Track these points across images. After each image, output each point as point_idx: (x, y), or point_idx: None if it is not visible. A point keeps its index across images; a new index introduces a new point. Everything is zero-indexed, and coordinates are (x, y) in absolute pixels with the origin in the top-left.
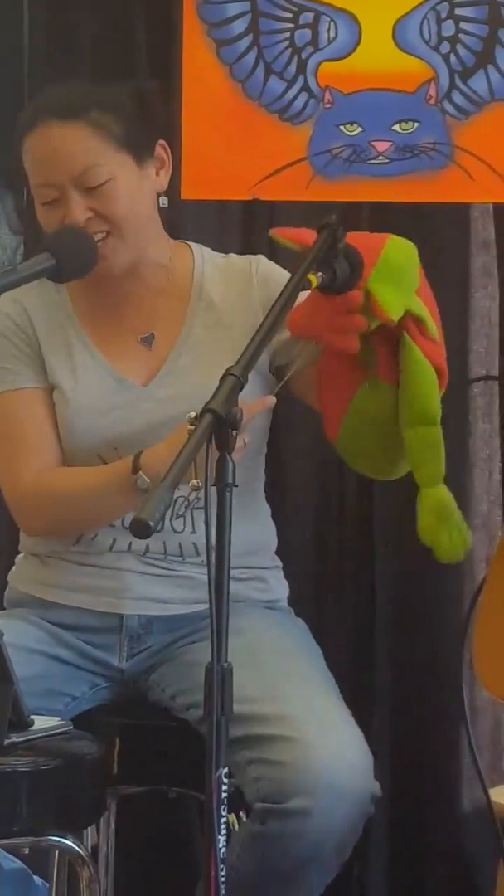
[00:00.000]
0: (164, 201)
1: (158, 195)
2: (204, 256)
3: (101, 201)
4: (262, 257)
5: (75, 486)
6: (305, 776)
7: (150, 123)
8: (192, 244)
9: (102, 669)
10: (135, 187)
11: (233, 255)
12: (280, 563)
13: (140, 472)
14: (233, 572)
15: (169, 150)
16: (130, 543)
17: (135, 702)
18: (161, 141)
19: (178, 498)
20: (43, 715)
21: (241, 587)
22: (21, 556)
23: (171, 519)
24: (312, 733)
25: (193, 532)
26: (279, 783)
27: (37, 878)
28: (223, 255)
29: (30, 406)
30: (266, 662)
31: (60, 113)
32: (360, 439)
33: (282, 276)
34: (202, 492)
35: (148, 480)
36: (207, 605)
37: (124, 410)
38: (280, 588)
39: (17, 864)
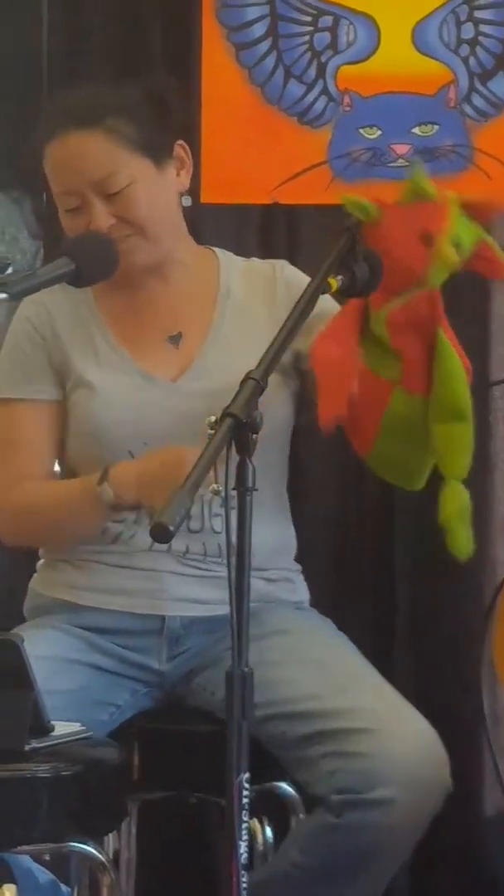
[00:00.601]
0: (187, 200)
1: (181, 195)
2: (229, 261)
3: (122, 206)
4: (285, 262)
5: (42, 498)
6: (389, 766)
7: (168, 124)
8: (217, 250)
9: (142, 674)
10: (155, 189)
11: (255, 260)
12: (300, 567)
13: (105, 484)
14: (265, 573)
15: (188, 150)
16: (170, 544)
17: (171, 708)
18: (180, 141)
19: (213, 497)
20: (92, 728)
21: (272, 588)
22: (42, 562)
23: (210, 519)
24: (392, 724)
25: (218, 532)
26: (360, 774)
27: (63, 887)
28: (244, 259)
29: (29, 417)
30: (322, 659)
31: (77, 121)
32: (392, 451)
33: (305, 280)
34: (222, 495)
35: (111, 492)
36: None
37: (153, 406)
38: (304, 590)
39: (49, 876)
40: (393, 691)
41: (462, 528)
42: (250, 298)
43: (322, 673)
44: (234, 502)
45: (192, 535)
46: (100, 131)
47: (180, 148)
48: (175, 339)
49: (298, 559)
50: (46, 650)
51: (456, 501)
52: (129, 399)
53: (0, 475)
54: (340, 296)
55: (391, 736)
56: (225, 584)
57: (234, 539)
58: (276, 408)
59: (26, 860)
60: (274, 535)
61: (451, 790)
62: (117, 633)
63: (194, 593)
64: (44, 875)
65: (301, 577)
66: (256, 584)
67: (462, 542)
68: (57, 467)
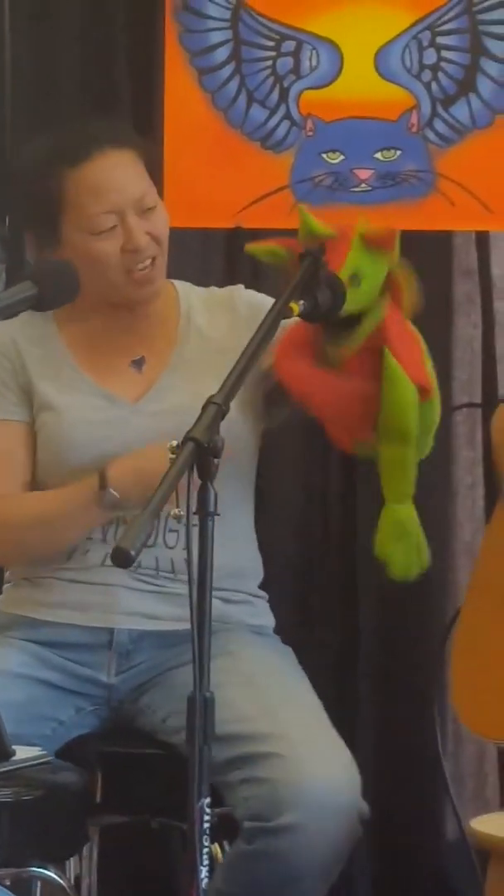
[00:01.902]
0: None
1: None
2: (188, 290)
3: (153, 224)
4: (240, 286)
5: (40, 507)
6: (293, 792)
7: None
8: (175, 281)
9: (89, 688)
10: (167, 216)
11: (213, 288)
12: (266, 595)
13: (108, 489)
14: (224, 594)
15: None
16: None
17: (121, 729)
18: None
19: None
20: (33, 742)
21: (231, 610)
22: (10, 584)
23: (164, 534)
24: (301, 750)
25: (186, 548)
26: (267, 800)
27: None
28: (204, 288)
29: (2, 437)
30: (259, 683)
31: (112, 140)
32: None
33: (265, 300)
34: (183, 521)
35: (116, 495)
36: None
37: (115, 426)
38: (267, 616)
39: (6, 892)
40: (318, 718)
41: (398, 550)
42: (213, 324)
43: (254, 696)
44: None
45: (145, 550)
46: (132, 150)
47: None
48: (138, 364)
49: (262, 582)
50: None
51: (389, 523)
52: (92, 419)
53: None
54: (303, 320)
55: (299, 762)
56: (176, 601)
57: (193, 565)
58: (237, 432)
59: None
60: (234, 557)
61: (368, 815)
62: (70, 648)
63: (145, 608)
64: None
65: (264, 603)
66: (214, 604)
67: (399, 564)
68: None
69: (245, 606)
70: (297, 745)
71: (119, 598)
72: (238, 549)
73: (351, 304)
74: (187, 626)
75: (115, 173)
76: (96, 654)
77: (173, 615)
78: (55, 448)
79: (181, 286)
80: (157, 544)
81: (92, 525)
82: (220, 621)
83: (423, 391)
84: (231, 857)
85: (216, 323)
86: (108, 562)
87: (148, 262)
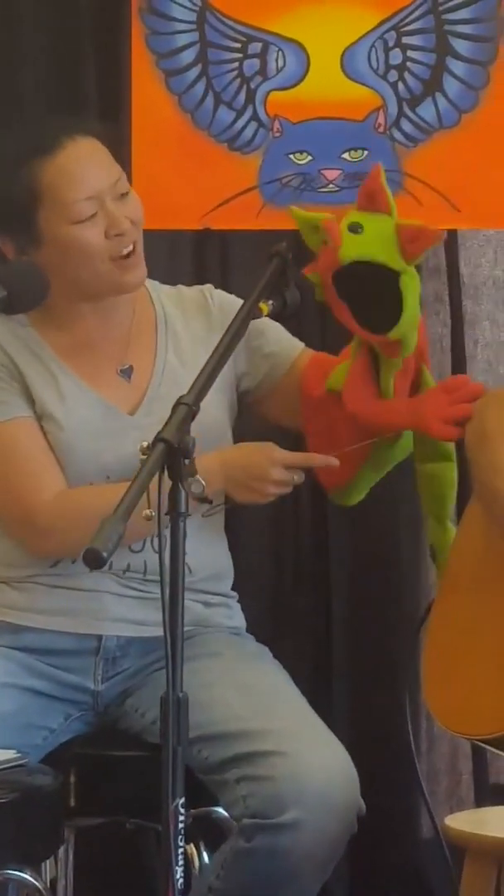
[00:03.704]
0: None
1: None
2: (158, 291)
3: (129, 208)
4: (211, 286)
5: (105, 501)
6: (296, 789)
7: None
8: (147, 280)
9: (77, 695)
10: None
11: (182, 287)
12: (237, 595)
13: (197, 476)
14: (203, 597)
15: None
16: (111, 563)
17: (103, 731)
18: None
19: None
20: (25, 752)
21: (210, 613)
22: None
23: (151, 538)
24: (300, 747)
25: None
26: (270, 798)
27: None
28: (172, 286)
29: (30, 433)
30: (249, 682)
31: (80, 130)
32: (361, 486)
33: (235, 301)
34: (155, 521)
35: (203, 483)
36: (184, 629)
37: (114, 437)
38: (240, 617)
39: None
40: (312, 715)
41: None
42: (187, 325)
43: (246, 695)
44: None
45: (133, 554)
46: (99, 140)
47: None
48: (127, 373)
49: (235, 585)
50: None
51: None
52: (91, 429)
53: (31, 488)
54: (272, 320)
55: (299, 759)
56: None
57: (165, 567)
58: (212, 432)
59: None
60: (213, 559)
61: (364, 812)
62: (55, 654)
63: (132, 614)
64: None
65: (237, 604)
66: (195, 608)
67: None
68: None
69: (222, 609)
70: (296, 743)
71: (107, 604)
72: (216, 551)
73: (352, 249)
74: None
75: (90, 160)
76: (82, 660)
77: (159, 620)
78: (57, 457)
79: (151, 286)
80: (145, 548)
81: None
82: (200, 625)
83: None
84: (227, 853)
85: (192, 326)
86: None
87: (131, 247)
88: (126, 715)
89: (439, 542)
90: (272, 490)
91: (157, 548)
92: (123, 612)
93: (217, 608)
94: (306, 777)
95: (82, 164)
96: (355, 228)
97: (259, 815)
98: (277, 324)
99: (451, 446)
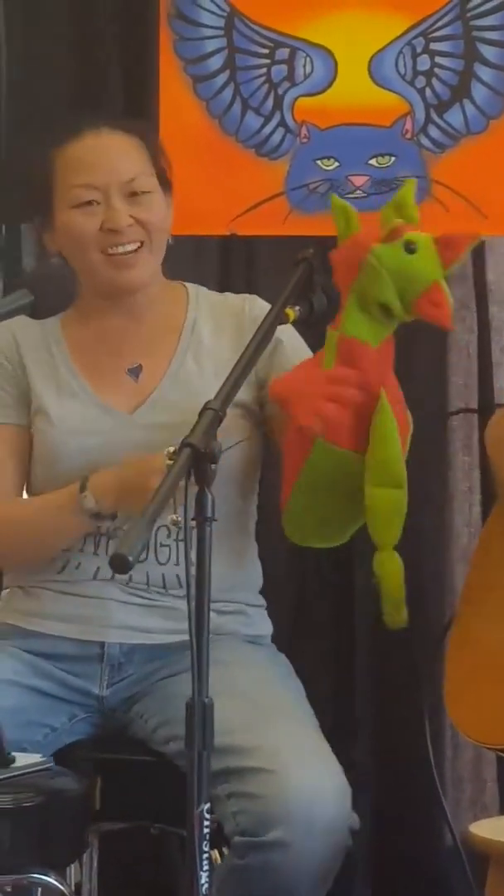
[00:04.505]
0: (171, 239)
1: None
2: (199, 295)
3: (141, 209)
4: (256, 298)
5: (18, 513)
6: (282, 808)
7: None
8: (189, 284)
9: (82, 698)
10: (165, 209)
11: (229, 294)
12: (265, 603)
13: (87, 492)
14: (215, 605)
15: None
16: (114, 574)
17: (116, 736)
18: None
19: (160, 528)
20: (25, 748)
21: (223, 620)
22: (7, 590)
23: (155, 550)
24: (289, 765)
25: (177, 564)
26: (257, 816)
27: None
28: (219, 293)
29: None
30: (247, 694)
31: (112, 123)
32: (311, 506)
33: None
34: (181, 526)
35: (94, 500)
36: (186, 637)
37: (109, 436)
38: (264, 624)
39: None
40: (307, 729)
41: (401, 597)
42: (217, 334)
43: (242, 707)
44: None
45: (136, 565)
46: (135, 136)
47: (170, 195)
48: (135, 372)
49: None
50: None
51: (399, 570)
52: (84, 429)
53: None
54: (300, 326)
55: (286, 777)
56: (168, 614)
57: (192, 571)
58: (233, 438)
59: None
60: (228, 567)
61: (358, 825)
62: (60, 659)
63: (136, 621)
64: None
65: (260, 611)
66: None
67: (402, 612)
68: (25, 494)
69: (238, 616)
70: (284, 760)
71: (111, 611)
72: (230, 560)
73: (409, 269)
74: (178, 638)
75: (103, 151)
76: (87, 666)
77: (164, 628)
78: (46, 455)
79: (193, 290)
80: (149, 560)
81: (73, 532)
82: (213, 632)
83: (407, 427)
84: (223, 870)
85: (220, 335)
86: (101, 575)
87: (131, 246)
88: (133, 721)
89: (383, 570)
90: None
91: (161, 559)
92: (127, 619)
93: (232, 615)
94: (292, 796)
95: (95, 154)
96: (411, 248)
97: (248, 832)
98: (298, 344)
99: (403, 473)
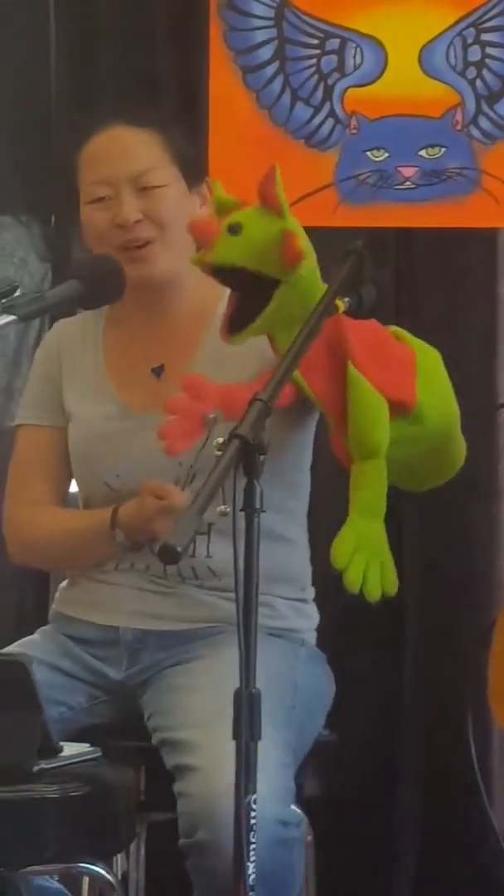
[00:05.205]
0: None
1: None
2: None
3: (152, 204)
4: None
5: (55, 530)
6: (205, 809)
7: (202, 159)
8: None
9: (100, 680)
10: (182, 202)
11: None
12: (304, 595)
13: (118, 529)
14: (232, 594)
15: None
16: (132, 563)
17: (139, 721)
18: (207, 179)
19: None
20: None
21: None
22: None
23: None
24: (218, 764)
25: (192, 556)
26: (188, 817)
27: None
28: None
29: (32, 440)
30: (219, 688)
31: (129, 119)
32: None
33: None
34: (229, 517)
35: (123, 536)
36: (201, 625)
37: (124, 437)
38: (297, 618)
39: (56, 885)
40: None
41: (356, 564)
42: None
43: (210, 703)
44: (216, 525)
45: (151, 557)
46: (151, 129)
47: (206, 185)
48: (158, 371)
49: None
50: (18, 649)
51: (351, 536)
52: (102, 430)
53: (16, 499)
54: (348, 317)
55: (213, 777)
56: (182, 601)
57: (239, 561)
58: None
59: (34, 879)
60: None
61: (299, 821)
62: (88, 642)
63: (149, 607)
64: (50, 882)
65: (294, 605)
66: (223, 605)
67: (352, 577)
68: (74, 487)
69: (263, 608)
70: (216, 759)
71: (126, 597)
72: (268, 551)
73: (223, 252)
74: (191, 626)
75: (112, 146)
76: (109, 651)
77: (176, 615)
78: (75, 457)
79: None
80: None
81: (108, 556)
82: (226, 621)
83: (401, 405)
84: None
85: None
86: (122, 566)
87: (140, 242)
88: (142, 710)
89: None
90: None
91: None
92: (141, 605)
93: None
94: (213, 796)
95: (107, 149)
96: (234, 229)
97: (184, 833)
98: None
99: (379, 441)
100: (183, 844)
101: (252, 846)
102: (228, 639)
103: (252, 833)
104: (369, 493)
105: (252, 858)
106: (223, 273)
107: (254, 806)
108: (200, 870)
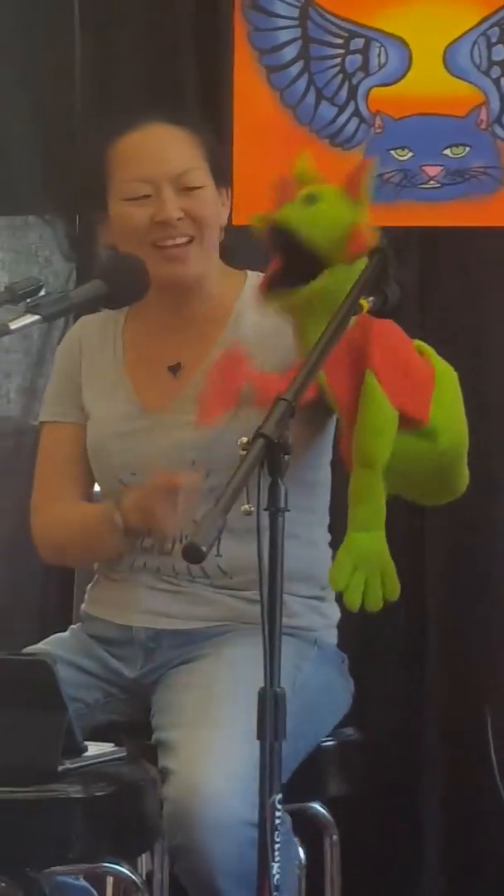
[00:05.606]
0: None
1: (221, 228)
2: (254, 287)
3: (193, 203)
4: None
5: (73, 524)
6: (179, 811)
7: (228, 165)
8: (250, 273)
9: (117, 679)
10: (216, 204)
11: None
12: (323, 595)
13: (117, 513)
14: (246, 593)
15: (231, 197)
16: (145, 562)
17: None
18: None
19: None
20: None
21: (252, 609)
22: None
23: (182, 541)
24: (192, 766)
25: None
26: (168, 820)
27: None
28: None
29: (58, 438)
30: (209, 688)
31: (165, 117)
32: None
33: None
34: (253, 516)
35: (119, 519)
36: (211, 623)
37: (140, 436)
38: (310, 615)
39: (82, 883)
40: (231, 731)
41: (356, 582)
42: (260, 329)
43: (200, 705)
44: (227, 523)
45: (162, 557)
46: (189, 130)
47: (228, 190)
48: (174, 370)
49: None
50: (43, 647)
51: (349, 555)
52: (118, 428)
53: (39, 496)
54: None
55: (185, 779)
56: (194, 599)
57: (264, 560)
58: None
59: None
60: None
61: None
62: (107, 641)
63: (161, 607)
64: (76, 881)
65: (309, 602)
66: (233, 604)
67: (352, 597)
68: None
69: None
70: (189, 760)
71: (139, 596)
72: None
73: (291, 216)
74: (202, 624)
75: (156, 144)
76: (127, 650)
77: (188, 614)
78: (92, 455)
79: (250, 282)
80: (175, 552)
81: (118, 548)
82: (237, 620)
83: (415, 421)
84: None
85: (264, 328)
86: (136, 565)
87: (181, 240)
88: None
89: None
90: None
91: None
92: (154, 604)
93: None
94: (185, 798)
95: (147, 147)
96: (311, 199)
97: (167, 837)
98: None
99: (379, 454)
100: (168, 848)
101: (276, 846)
102: (233, 638)
103: (276, 833)
104: (364, 507)
105: (276, 858)
106: (280, 235)
107: (279, 806)
108: (185, 872)
